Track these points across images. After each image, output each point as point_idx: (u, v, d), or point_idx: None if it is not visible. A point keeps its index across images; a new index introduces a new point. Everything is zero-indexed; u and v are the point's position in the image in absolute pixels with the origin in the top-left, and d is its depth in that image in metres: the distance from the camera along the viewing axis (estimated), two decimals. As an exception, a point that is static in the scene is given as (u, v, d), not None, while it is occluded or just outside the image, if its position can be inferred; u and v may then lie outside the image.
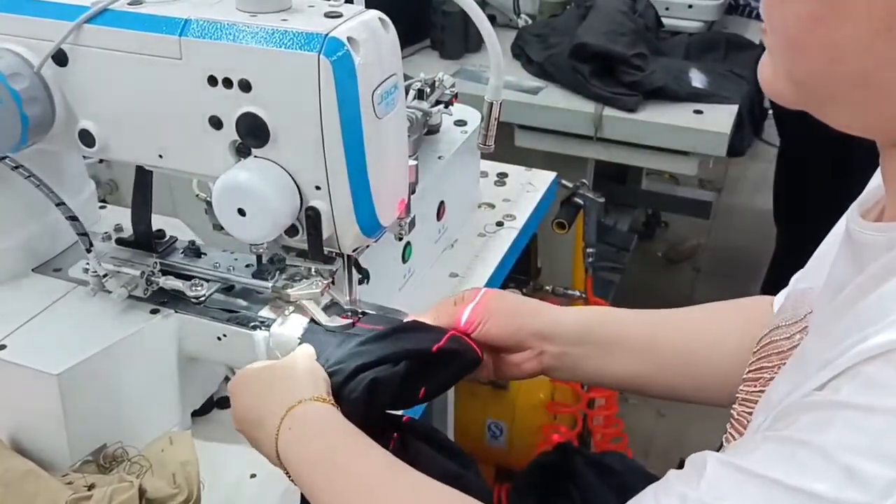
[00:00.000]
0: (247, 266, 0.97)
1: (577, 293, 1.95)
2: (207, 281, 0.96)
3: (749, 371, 0.75)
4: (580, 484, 0.99)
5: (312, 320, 0.88)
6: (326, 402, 0.75)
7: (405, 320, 0.87)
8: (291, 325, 0.89)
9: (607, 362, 0.89)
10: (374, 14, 0.81)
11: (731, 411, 0.76)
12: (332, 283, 0.91)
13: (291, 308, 0.91)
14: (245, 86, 0.79)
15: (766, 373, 0.71)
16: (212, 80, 0.80)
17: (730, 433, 0.75)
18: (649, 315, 0.92)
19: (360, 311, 0.90)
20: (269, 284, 0.93)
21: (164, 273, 0.96)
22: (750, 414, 0.71)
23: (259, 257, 0.95)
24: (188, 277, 0.96)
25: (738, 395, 0.75)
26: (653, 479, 1.01)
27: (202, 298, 0.95)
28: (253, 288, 0.96)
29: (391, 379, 0.77)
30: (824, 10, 0.53)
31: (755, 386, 0.73)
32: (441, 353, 0.81)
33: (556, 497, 1.00)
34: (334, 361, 0.81)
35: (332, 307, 0.90)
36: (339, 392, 0.78)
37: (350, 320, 0.88)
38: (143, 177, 0.95)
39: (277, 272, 0.93)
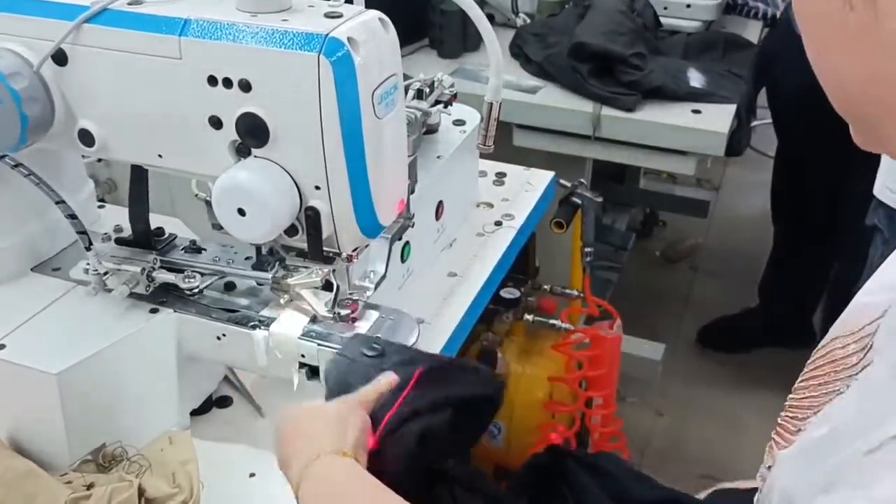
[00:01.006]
0: (246, 258, 0.98)
1: (575, 292, 1.95)
2: (203, 274, 0.96)
3: (800, 381, 0.75)
4: (574, 485, 0.99)
5: (340, 354, 0.84)
6: (347, 457, 0.72)
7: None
8: (291, 325, 0.89)
9: None
10: (374, 14, 0.81)
11: (778, 418, 0.76)
12: (334, 272, 0.90)
13: (288, 297, 0.91)
14: (245, 86, 0.79)
15: (816, 380, 0.71)
16: (212, 80, 0.80)
17: (774, 439, 0.75)
18: None
19: (360, 299, 0.90)
20: (269, 275, 0.93)
21: (165, 270, 0.97)
22: (794, 419, 0.71)
23: (258, 249, 0.96)
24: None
25: (786, 402, 0.76)
26: (647, 480, 1.01)
27: (195, 290, 0.95)
28: (253, 280, 0.96)
29: (441, 429, 0.74)
30: (820, 42, 0.54)
31: (804, 393, 0.73)
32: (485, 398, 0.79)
33: (549, 498, 1.00)
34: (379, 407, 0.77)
35: (327, 292, 0.90)
36: (385, 440, 0.74)
37: (351, 308, 0.88)
38: (139, 175, 0.95)
39: (277, 263, 0.94)
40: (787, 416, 0.75)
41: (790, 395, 0.76)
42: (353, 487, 0.71)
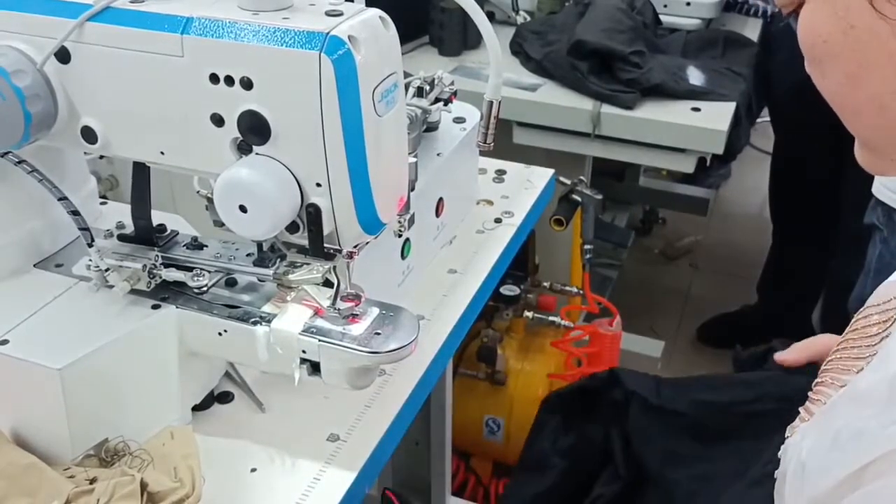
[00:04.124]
0: (248, 255, 0.98)
1: (575, 290, 1.96)
2: (209, 272, 0.97)
3: (830, 354, 0.75)
4: (623, 418, 0.94)
5: None
6: None
7: None
8: (292, 321, 0.90)
9: None
10: (375, 13, 0.82)
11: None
12: (335, 268, 0.91)
13: (293, 294, 0.91)
14: (246, 84, 0.79)
15: (842, 352, 0.72)
16: (213, 78, 0.80)
17: (800, 412, 0.75)
18: None
19: (361, 294, 0.91)
20: (271, 271, 0.94)
21: (167, 266, 0.97)
22: (819, 385, 0.71)
23: (260, 246, 0.96)
24: (190, 269, 0.97)
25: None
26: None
27: (204, 289, 0.96)
28: (255, 276, 0.97)
29: None
30: (855, 70, 0.53)
31: (827, 365, 0.73)
32: None
33: (585, 422, 0.94)
34: None
35: (328, 289, 0.91)
36: None
37: (353, 302, 0.90)
38: (141, 172, 0.96)
39: (278, 259, 0.94)
40: (814, 385, 0.75)
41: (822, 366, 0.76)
42: None
